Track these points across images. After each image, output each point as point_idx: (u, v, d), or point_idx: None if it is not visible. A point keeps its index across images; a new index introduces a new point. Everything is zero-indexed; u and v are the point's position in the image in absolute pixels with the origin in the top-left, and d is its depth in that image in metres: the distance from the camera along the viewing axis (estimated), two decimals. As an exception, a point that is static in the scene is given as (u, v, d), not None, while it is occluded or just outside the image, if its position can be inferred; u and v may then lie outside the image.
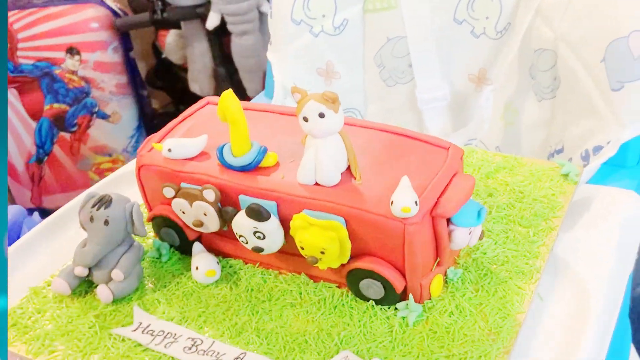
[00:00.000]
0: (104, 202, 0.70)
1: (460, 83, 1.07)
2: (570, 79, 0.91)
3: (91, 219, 0.70)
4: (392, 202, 0.62)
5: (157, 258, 0.77)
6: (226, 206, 0.70)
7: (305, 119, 0.64)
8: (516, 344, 0.63)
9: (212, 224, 0.71)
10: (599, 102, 0.87)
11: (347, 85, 1.11)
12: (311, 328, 0.67)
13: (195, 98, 1.84)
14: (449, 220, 0.66)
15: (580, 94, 0.90)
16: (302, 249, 0.67)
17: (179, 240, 0.76)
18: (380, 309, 0.68)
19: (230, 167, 0.70)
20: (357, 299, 0.69)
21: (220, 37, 1.71)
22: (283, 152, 0.71)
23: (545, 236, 0.74)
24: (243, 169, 0.69)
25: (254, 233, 0.67)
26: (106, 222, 0.69)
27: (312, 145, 0.66)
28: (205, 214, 0.71)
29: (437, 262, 0.67)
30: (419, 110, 1.09)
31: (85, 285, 0.74)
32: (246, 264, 0.75)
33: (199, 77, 1.81)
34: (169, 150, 0.72)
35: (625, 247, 0.75)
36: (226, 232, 0.73)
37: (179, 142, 0.72)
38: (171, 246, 0.78)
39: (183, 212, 0.72)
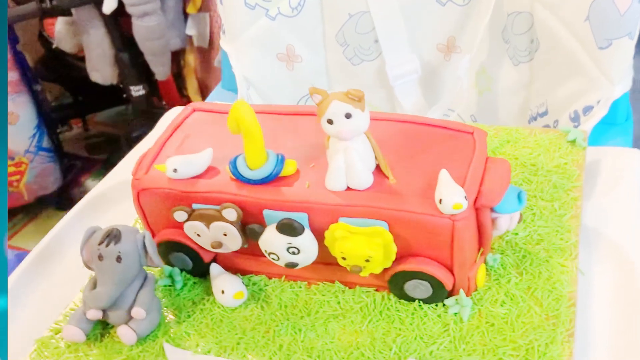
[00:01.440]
0: (112, 237, 0.62)
1: (428, 54, 1.04)
2: (551, 40, 0.90)
3: (100, 258, 0.62)
4: (440, 201, 0.58)
5: (169, 285, 0.71)
6: (249, 223, 0.64)
7: (330, 122, 0.59)
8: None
9: (233, 243, 0.66)
10: (586, 61, 0.86)
11: (309, 69, 1.06)
12: (363, 339, 0.63)
13: (97, 87, 1.76)
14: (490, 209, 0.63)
15: (563, 54, 0.89)
16: (344, 259, 0.62)
17: (192, 263, 0.70)
18: (429, 307, 0.65)
19: (247, 181, 0.64)
20: (401, 300, 0.66)
21: (117, 20, 1.60)
22: (297, 156, 0.66)
23: (570, 208, 0.72)
24: (262, 182, 0.64)
25: (288, 249, 0.62)
26: (118, 259, 0.62)
27: (341, 149, 0.61)
28: (225, 234, 0.65)
29: (480, 252, 0.65)
30: (389, 87, 1.05)
31: (99, 327, 0.67)
32: (270, 279, 0.70)
33: (99, 65, 1.70)
34: (175, 170, 0.65)
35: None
36: (244, 248, 0.67)
37: (184, 160, 0.66)
38: (181, 270, 0.71)
39: (198, 235, 0.66)
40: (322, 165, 0.64)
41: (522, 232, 0.70)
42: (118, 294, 0.63)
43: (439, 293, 0.64)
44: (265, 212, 0.63)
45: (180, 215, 0.64)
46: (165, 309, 0.68)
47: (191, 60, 1.72)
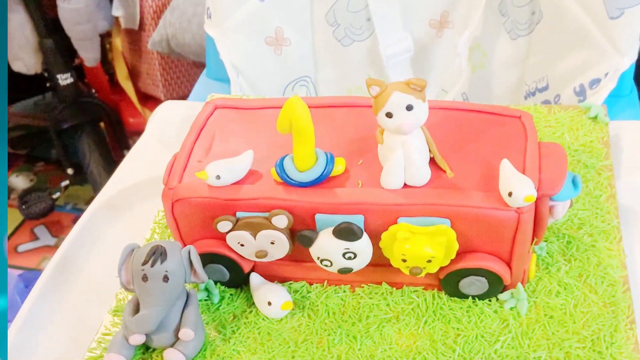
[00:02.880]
0: (158, 254, 0.58)
1: (420, 31, 1.01)
2: (556, 11, 0.88)
3: (144, 278, 0.58)
4: (510, 194, 0.56)
5: (206, 299, 0.66)
6: (297, 229, 0.60)
7: (389, 115, 0.56)
8: (632, 308, 0.62)
9: (279, 251, 0.62)
10: (594, 32, 0.85)
11: (298, 53, 1.01)
12: (422, 342, 0.61)
13: (19, 77, 1.63)
14: (549, 197, 0.62)
15: (568, 26, 0.87)
16: (404, 261, 0.60)
17: (230, 274, 0.66)
18: (483, 304, 0.63)
19: (296, 184, 0.60)
20: (452, 298, 0.64)
21: (40, 3, 1.50)
22: (341, 153, 0.62)
23: (605, 188, 0.71)
24: (312, 184, 0.60)
25: (344, 254, 0.59)
26: (165, 279, 0.58)
27: (399, 144, 0.58)
28: (272, 243, 0.61)
29: (533, 242, 0.63)
30: (380, 69, 1.02)
31: (139, 353, 0.62)
32: (311, 284, 0.67)
33: (21, 53, 1.58)
34: (218, 177, 0.60)
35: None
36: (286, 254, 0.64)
37: (225, 165, 0.61)
38: (215, 282, 0.67)
39: (241, 245, 0.62)
40: (371, 161, 0.61)
41: (562, 217, 0.69)
42: (164, 315, 0.59)
43: (495, 288, 0.62)
44: (318, 216, 0.59)
45: (224, 226, 0.60)
46: (206, 325, 0.64)
47: (118, 43, 1.62)
